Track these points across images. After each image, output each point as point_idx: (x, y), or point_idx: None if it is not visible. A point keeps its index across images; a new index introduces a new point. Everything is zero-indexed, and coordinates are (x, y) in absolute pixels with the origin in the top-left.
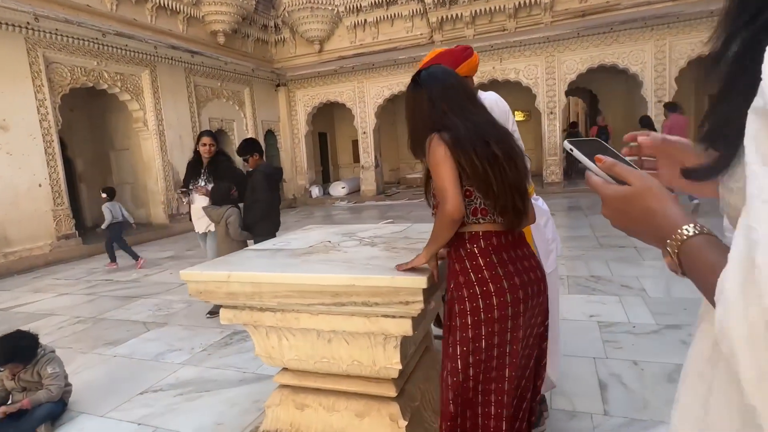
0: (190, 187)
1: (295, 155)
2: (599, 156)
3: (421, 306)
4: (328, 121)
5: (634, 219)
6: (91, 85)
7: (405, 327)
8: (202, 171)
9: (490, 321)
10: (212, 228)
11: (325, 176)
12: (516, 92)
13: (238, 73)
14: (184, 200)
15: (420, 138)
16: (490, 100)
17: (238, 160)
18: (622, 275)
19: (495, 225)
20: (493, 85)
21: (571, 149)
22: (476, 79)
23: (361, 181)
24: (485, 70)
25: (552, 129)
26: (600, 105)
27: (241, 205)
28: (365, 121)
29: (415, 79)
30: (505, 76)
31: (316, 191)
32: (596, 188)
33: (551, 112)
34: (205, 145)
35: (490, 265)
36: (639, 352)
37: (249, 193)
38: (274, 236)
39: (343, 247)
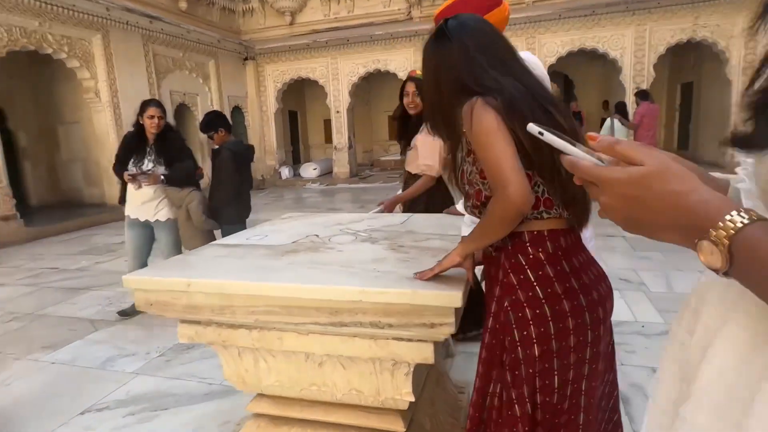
0: (133, 169)
1: (263, 134)
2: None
3: (451, 329)
4: (299, 98)
5: (651, 208)
6: (32, 48)
7: (425, 353)
8: (148, 150)
9: (565, 351)
10: (161, 216)
11: (296, 157)
12: None
13: (202, 43)
14: (134, 187)
15: (447, 106)
16: (530, 62)
17: (194, 139)
18: (617, 267)
19: (560, 221)
20: None
21: (540, 132)
22: None
23: (334, 162)
24: None
25: None
26: (575, 90)
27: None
28: (339, 99)
29: (440, 32)
30: None
31: (286, 172)
32: (590, 172)
33: None
34: (152, 117)
35: (561, 276)
36: (655, 356)
37: (214, 175)
38: (244, 224)
39: (336, 244)
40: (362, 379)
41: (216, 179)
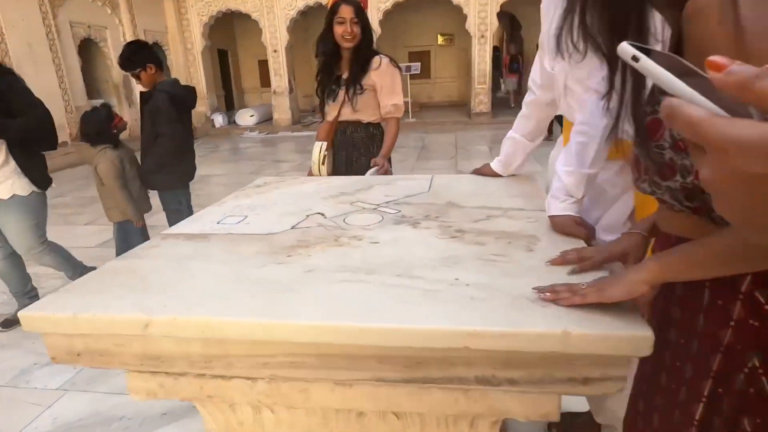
0: None
1: (190, 75)
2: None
3: (619, 385)
4: (228, 35)
5: None
6: None
7: (546, 408)
8: None
9: None
10: (3, 192)
11: (229, 102)
12: (440, 12)
13: None
14: None
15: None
16: None
17: (106, 81)
18: None
19: None
20: (419, 3)
21: (635, 56)
22: None
23: (273, 108)
24: None
25: (482, 54)
26: (522, 32)
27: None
28: (276, 37)
29: None
30: None
31: (219, 120)
32: (698, 125)
33: (482, 36)
34: None
35: None
36: None
37: (146, 127)
38: (187, 189)
39: (360, 229)
40: None
41: (150, 132)
